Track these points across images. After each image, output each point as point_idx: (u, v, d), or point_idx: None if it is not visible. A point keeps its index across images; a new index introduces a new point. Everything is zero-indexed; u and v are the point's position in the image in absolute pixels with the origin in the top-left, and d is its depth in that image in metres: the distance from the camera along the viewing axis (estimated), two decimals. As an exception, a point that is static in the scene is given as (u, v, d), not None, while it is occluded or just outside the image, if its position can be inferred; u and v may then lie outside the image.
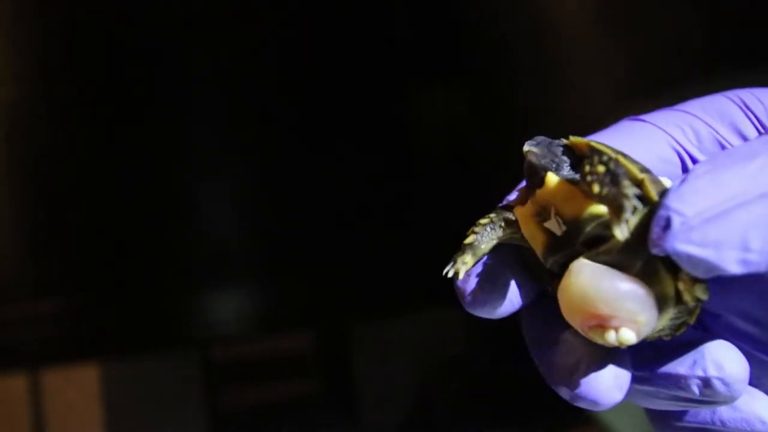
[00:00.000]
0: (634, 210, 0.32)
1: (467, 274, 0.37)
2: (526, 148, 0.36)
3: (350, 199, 1.16)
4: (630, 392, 0.34)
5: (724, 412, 0.34)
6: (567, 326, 0.34)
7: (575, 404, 0.33)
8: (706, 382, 0.32)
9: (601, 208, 0.33)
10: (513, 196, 0.38)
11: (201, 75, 1.14)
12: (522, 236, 0.36)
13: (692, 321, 0.33)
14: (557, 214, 0.35)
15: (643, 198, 0.32)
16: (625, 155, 0.33)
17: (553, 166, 0.36)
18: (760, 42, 1.00)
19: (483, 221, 0.37)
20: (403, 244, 1.16)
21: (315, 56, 1.14)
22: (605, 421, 1.09)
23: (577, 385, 0.33)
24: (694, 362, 0.33)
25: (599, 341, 0.33)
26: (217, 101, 1.15)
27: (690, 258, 0.29)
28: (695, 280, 0.32)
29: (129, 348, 1.16)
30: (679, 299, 0.32)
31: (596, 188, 0.33)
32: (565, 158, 0.36)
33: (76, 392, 1.13)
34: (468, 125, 1.19)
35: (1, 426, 1.12)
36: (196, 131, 1.14)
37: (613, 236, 0.32)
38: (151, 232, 1.14)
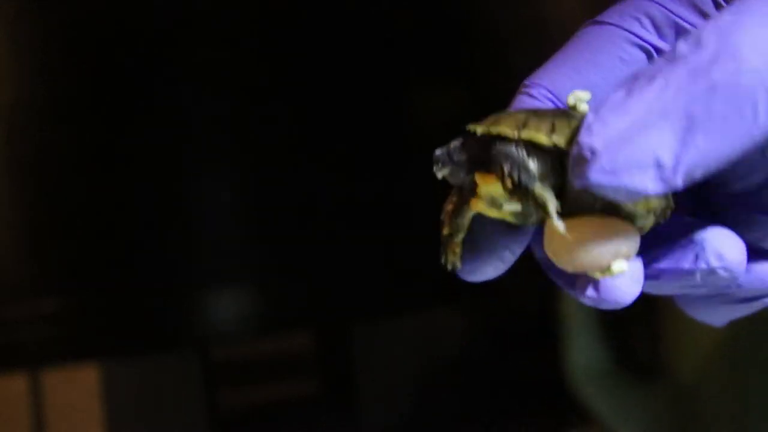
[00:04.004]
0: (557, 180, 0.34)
1: (465, 265, 0.38)
2: (439, 175, 0.37)
3: (350, 198, 1.16)
4: (642, 287, 0.36)
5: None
6: None
7: (600, 306, 0.35)
8: (711, 273, 0.35)
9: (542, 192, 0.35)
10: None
11: (201, 75, 1.14)
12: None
13: (671, 208, 0.35)
14: (508, 200, 0.36)
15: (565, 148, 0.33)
16: (529, 120, 0.34)
17: (467, 172, 0.37)
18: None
19: (448, 208, 0.38)
20: (403, 244, 1.16)
21: (315, 55, 1.14)
22: (605, 421, 1.09)
23: (599, 288, 0.35)
24: (697, 257, 0.35)
25: (597, 277, 0.35)
26: (217, 101, 1.15)
27: (608, 187, 0.31)
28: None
29: (129, 348, 1.16)
30: (644, 210, 0.34)
31: (517, 205, 0.35)
32: (473, 156, 0.37)
33: (76, 392, 1.13)
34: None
35: (1, 426, 1.12)
36: (197, 131, 1.15)
37: (566, 187, 0.34)
38: (151, 232, 1.14)
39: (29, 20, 1.09)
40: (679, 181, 0.30)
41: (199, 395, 1.17)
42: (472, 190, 0.35)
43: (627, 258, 0.34)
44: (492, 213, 0.36)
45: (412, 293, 1.18)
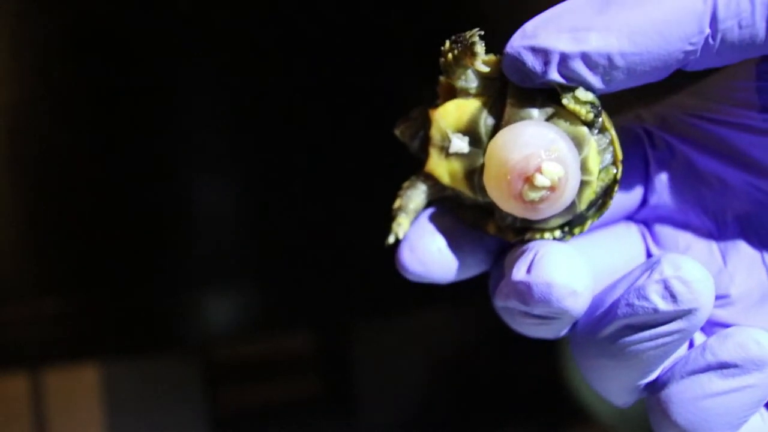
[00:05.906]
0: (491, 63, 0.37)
1: (406, 242, 0.38)
2: (396, 132, 0.40)
3: (349, 198, 1.17)
4: (590, 340, 0.34)
5: (714, 345, 0.33)
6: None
7: (530, 304, 0.33)
8: (665, 285, 0.32)
9: (477, 93, 0.37)
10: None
11: (202, 75, 1.14)
12: (444, 185, 0.38)
13: (620, 161, 0.35)
14: (455, 132, 0.37)
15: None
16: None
17: (422, 116, 0.39)
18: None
19: (405, 185, 0.40)
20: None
21: (315, 55, 1.14)
22: (605, 421, 1.09)
23: (531, 267, 0.33)
24: (650, 271, 0.32)
25: (535, 197, 0.34)
26: (217, 102, 1.15)
27: (529, 49, 0.34)
28: (572, 90, 0.35)
29: (129, 348, 1.16)
30: (584, 122, 0.35)
31: (450, 57, 0.37)
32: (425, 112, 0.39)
33: (77, 392, 1.13)
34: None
35: (1, 426, 1.12)
36: (196, 131, 1.15)
37: (506, 104, 0.35)
38: (151, 232, 1.14)
39: (29, 20, 1.09)
40: (593, 43, 0.33)
41: (199, 395, 1.17)
42: (424, 146, 0.37)
43: (561, 160, 0.33)
44: (441, 169, 0.36)
45: (412, 293, 1.18)
